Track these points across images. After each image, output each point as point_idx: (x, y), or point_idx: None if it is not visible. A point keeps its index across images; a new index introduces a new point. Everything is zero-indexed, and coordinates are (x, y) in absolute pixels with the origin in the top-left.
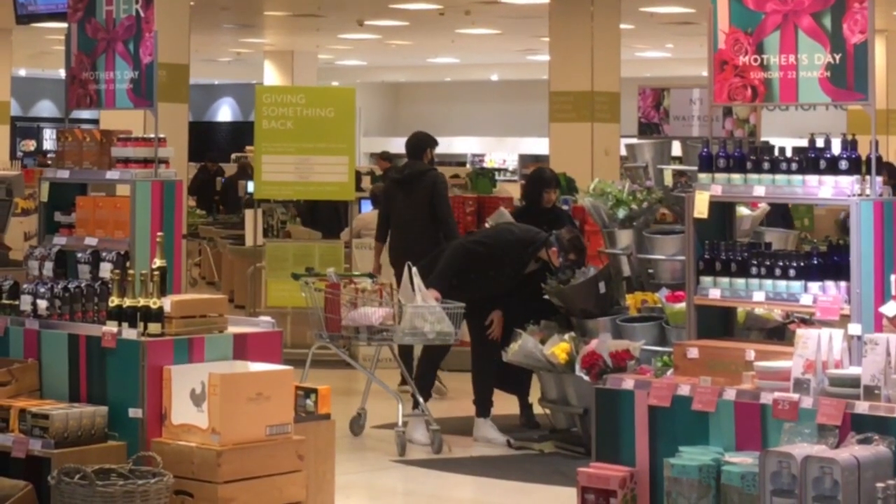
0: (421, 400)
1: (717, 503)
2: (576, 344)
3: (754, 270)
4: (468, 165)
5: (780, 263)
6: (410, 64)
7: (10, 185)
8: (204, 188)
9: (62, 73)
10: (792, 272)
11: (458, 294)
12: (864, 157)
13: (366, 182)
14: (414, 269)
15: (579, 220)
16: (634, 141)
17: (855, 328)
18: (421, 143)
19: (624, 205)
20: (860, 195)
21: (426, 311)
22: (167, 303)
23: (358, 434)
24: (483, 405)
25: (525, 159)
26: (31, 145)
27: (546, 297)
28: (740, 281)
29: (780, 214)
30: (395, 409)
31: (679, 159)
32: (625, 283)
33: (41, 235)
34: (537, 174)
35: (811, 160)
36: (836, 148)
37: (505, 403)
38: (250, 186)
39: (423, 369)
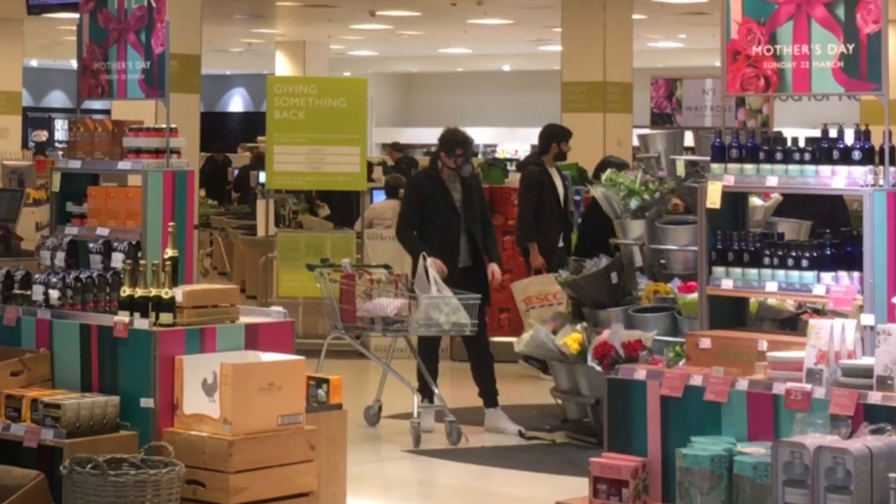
0: (436, 390)
1: (728, 493)
2: (588, 334)
3: (767, 261)
4: (480, 156)
5: (793, 253)
6: (422, 54)
7: (22, 175)
8: (213, 178)
9: (74, 64)
10: (805, 262)
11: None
12: (877, 148)
13: (377, 172)
14: (429, 260)
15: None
16: (647, 131)
17: (868, 318)
18: (547, 138)
19: (636, 195)
20: (873, 185)
21: (442, 302)
22: (179, 293)
23: (373, 424)
24: (489, 395)
25: None
26: (42, 136)
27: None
28: (753, 271)
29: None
30: (411, 399)
31: (692, 149)
32: (637, 274)
33: (53, 225)
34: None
35: (824, 150)
36: (850, 138)
37: (515, 394)
38: (262, 177)
39: (425, 361)
